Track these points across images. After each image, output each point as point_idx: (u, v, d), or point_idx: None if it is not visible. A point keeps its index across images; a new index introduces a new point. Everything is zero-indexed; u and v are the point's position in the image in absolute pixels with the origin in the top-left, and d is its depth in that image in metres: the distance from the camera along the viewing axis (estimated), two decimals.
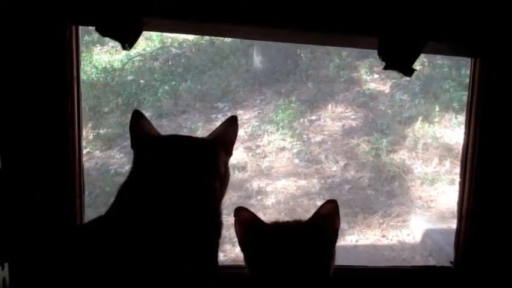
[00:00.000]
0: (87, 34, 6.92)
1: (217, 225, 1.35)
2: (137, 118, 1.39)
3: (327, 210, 1.30)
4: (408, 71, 1.43)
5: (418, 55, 1.42)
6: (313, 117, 6.09)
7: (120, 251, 1.18)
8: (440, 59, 6.53)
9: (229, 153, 1.44)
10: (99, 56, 6.97)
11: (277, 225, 1.36)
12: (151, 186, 1.29)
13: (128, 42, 1.35)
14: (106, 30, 1.34)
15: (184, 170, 1.30)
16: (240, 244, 1.36)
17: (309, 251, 1.28)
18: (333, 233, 1.33)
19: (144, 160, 1.36)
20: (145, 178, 1.32)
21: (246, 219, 1.32)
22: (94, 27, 1.36)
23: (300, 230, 1.32)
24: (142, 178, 1.33)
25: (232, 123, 1.43)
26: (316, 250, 1.29)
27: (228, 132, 1.42)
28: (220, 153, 1.39)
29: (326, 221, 1.30)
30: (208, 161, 1.35)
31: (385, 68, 1.43)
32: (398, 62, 1.42)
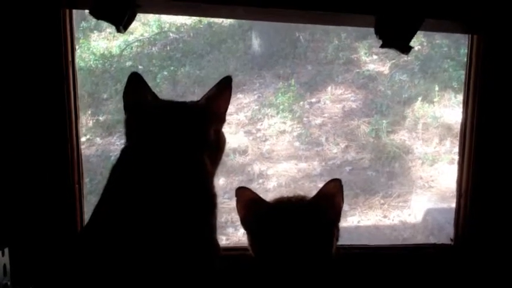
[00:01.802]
0: (84, 20, 6.89)
1: (211, 197, 1.31)
2: (134, 82, 1.33)
3: (331, 189, 1.30)
4: (405, 49, 1.42)
5: (415, 32, 1.41)
6: (313, 100, 6.08)
7: (114, 231, 1.18)
8: (439, 39, 6.51)
9: (222, 120, 1.38)
10: (97, 43, 6.94)
11: (279, 203, 1.36)
12: (138, 160, 1.27)
13: (122, 25, 1.34)
14: (100, 13, 1.32)
15: (171, 142, 1.28)
16: (242, 223, 1.35)
17: (311, 230, 1.28)
18: (336, 212, 1.33)
19: (132, 130, 1.34)
20: (134, 151, 1.31)
21: (247, 198, 1.31)
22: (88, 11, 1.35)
23: (303, 208, 1.32)
24: (131, 150, 1.32)
25: (226, 86, 1.34)
26: (319, 229, 1.29)
27: (221, 95, 1.35)
28: (209, 121, 1.34)
29: (329, 199, 1.30)
30: (195, 132, 1.31)
31: (382, 46, 1.42)
32: (395, 39, 1.41)
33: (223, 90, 1.35)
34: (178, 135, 1.29)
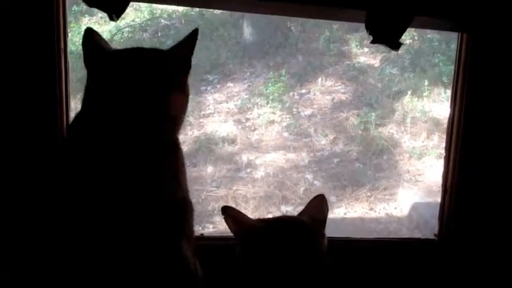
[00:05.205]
0: (76, 4, 6.83)
1: (177, 147, 1.27)
2: (91, 35, 1.34)
3: (317, 203, 1.36)
4: (395, 45, 1.43)
5: (405, 29, 1.43)
6: (303, 91, 6.08)
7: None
8: (430, 33, 6.52)
9: (189, 66, 1.37)
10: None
11: (268, 222, 1.37)
12: (104, 106, 1.23)
13: (115, 13, 1.34)
14: (93, 1, 1.32)
15: (143, 86, 1.25)
16: (236, 238, 1.36)
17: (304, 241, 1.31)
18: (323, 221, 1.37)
19: (97, 77, 1.31)
20: (98, 98, 1.27)
21: (233, 215, 1.33)
22: None
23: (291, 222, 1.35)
24: (95, 98, 1.28)
25: (193, 36, 1.37)
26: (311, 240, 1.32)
27: (189, 43, 1.37)
28: (181, 67, 1.33)
29: (316, 211, 1.36)
30: (170, 76, 1.29)
31: (372, 42, 1.43)
32: (386, 35, 1.42)
33: (190, 39, 1.37)
34: (154, 79, 1.27)
